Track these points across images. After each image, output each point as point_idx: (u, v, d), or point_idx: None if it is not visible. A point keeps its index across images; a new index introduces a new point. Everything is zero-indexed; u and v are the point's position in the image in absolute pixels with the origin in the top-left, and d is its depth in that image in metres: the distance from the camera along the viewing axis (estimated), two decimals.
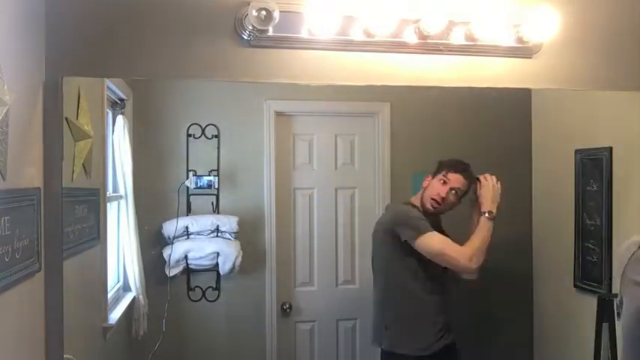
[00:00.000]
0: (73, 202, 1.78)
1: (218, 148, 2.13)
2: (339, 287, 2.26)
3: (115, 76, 1.90)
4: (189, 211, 2.11)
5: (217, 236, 2.13)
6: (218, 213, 2.14)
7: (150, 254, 2.09)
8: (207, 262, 2.13)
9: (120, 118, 2.03)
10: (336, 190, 2.25)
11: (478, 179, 2.14)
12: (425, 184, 2.17)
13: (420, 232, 2.07)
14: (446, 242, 2.08)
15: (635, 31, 2.09)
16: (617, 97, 2.11)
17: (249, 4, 1.75)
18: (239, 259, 2.14)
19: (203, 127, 2.12)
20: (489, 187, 2.12)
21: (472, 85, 1.98)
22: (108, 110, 2.01)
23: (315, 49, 1.88)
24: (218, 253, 2.13)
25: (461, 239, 2.09)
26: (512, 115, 2.27)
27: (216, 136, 2.13)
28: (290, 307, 2.21)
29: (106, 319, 1.97)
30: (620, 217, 2.15)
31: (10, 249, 1.39)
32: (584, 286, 2.24)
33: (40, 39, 1.69)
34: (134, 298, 2.06)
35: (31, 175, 1.61)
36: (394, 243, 2.10)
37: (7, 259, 1.37)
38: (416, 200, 2.17)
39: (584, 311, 2.19)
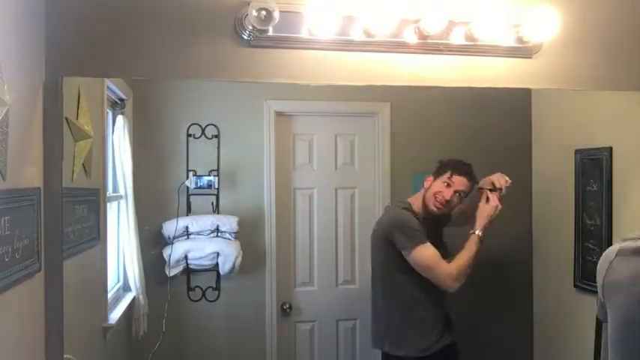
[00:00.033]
0: (73, 202, 1.78)
1: (218, 148, 2.13)
2: (339, 287, 2.26)
3: (115, 76, 1.90)
4: (189, 211, 2.11)
5: (217, 236, 2.13)
6: (218, 213, 2.14)
7: (150, 254, 2.09)
8: (207, 262, 2.13)
9: (120, 118, 2.03)
10: (336, 190, 2.25)
11: (487, 190, 2.13)
12: (427, 184, 2.17)
13: (415, 243, 2.07)
14: (435, 259, 2.08)
15: (635, 31, 2.09)
16: (617, 97, 2.11)
17: (249, 4, 1.75)
18: (239, 259, 2.14)
19: (203, 127, 2.12)
20: (493, 207, 2.11)
21: (472, 85, 1.98)
22: (108, 110, 2.01)
23: (315, 49, 1.88)
24: (218, 253, 2.13)
25: (460, 238, 2.09)
26: (512, 115, 2.27)
27: (216, 136, 2.13)
28: (290, 307, 2.21)
29: (106, 319, 1.97)
30: (620, 217, 2.15)
31: (10, 249, 1.39)
32: (584, 286, 2.24)
33: (40, 39, 1.69)
34: (134, 298, 2.06)
35: (31, 175, 1.61)
36: (392, 246, 2.10)
37: (7, 259, 1.37)
38: (415, 200, 2.16)
39: (584, 311, 2.19)
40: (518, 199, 2.27)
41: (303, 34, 1.85)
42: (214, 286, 2.14)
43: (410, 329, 2.14)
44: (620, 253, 1.26)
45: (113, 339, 2.01)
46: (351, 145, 2.26)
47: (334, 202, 2.25)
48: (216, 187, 2.12)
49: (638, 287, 1.20)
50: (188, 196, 2.11)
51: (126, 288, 2.07)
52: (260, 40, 1.84)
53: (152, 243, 2.09)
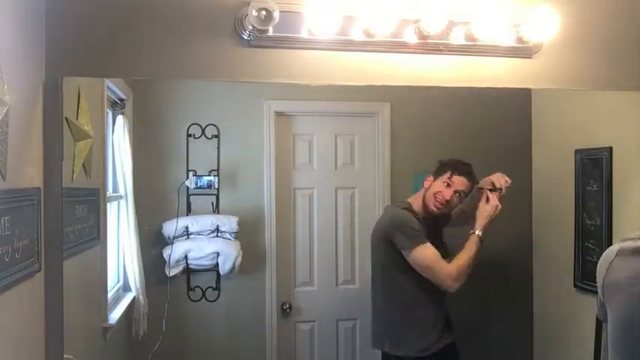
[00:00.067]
0: (73, 202, 1.78)
1: (218, 148, 2.13)
2: (339, 287, 2.26)
3: (115, 76, 1.90)
4: (189, 211, 2.11)
5: (217, 236, 2.13)
6: (218, 213, 2.14)
7: (150, 254, 2.09)
8: (207, 262, 2.13)
9: (120, 118, 2.03)
10: (336, 190, 2.25)
11: (487, 190, 2.13)
12: (427, 184, 2.17)
13: (415, 243, 2.07)
14: (435, 259, 2.08)
15: (635, 31, 2.09)
16: (617, 97, 2.11)
17: (249, 4, 1.75)
18: (239, 259, 2.14)
19: (203, 127, 2.12)
20: (493, 207, 2.11)
21: (472, 85, 1.98)
22: (108, 110, 2.01)
23: (315, 49, 1.88)
24: (218, 253, 2.13)
25: (460, 238, 2.09)
26: (512, 115, 2.27)
27: (216, 136, 2.13)
28: (290, 307, 2.21)
29: (106, 319, 1.97)
30: (620, 217, 2.15)
31: (10, 249, 1.39)
32: (584, 286, 2.24)
33: (40, 39, 1.69)
34: (134, 298, 2.06)
35: (31, 175, 1.61)
36: (392, 246, 2.10)
37: (7, 259, 1.37)
38: (415, 200, 2.16)
39: (584, 311, 2.19)
40: (518, 199, 2.27)
41: (303, 34, 1.85)
42: (214, 286, 2.14)
43: (410, 329, 2.15)
44: (620, 253, 1.26)
45: (113, 339, 2.01)
46: (351, 145, 2.26)
47: (334, 202, 2.25)
48: (216, 187, 2.12)
49: (638, 287, 1.20)
50: (188, 196, 2.11)
51: (126, 288, 2.07)
52: (260, 40, 1.84)
53: (152, 243, 2.09)
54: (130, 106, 2.05)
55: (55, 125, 1.71)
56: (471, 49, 1.95)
